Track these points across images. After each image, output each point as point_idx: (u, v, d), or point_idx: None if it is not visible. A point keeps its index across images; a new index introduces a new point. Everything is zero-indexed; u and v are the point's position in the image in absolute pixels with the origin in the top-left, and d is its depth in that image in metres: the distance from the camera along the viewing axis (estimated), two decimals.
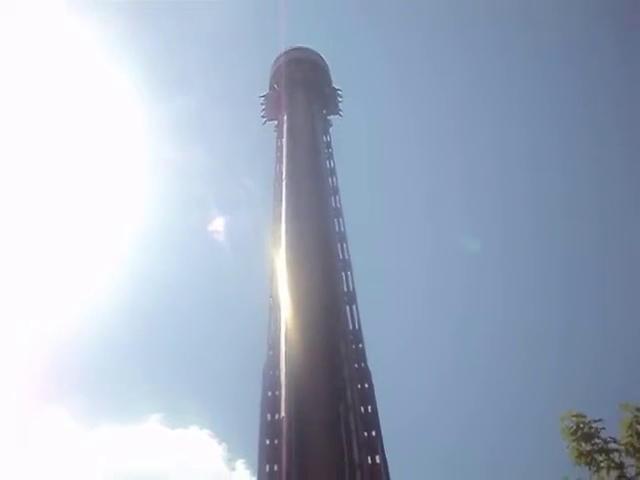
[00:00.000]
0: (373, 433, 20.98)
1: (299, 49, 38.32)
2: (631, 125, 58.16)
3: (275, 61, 38.23)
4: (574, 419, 15.93)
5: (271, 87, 38.17)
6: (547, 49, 62.07)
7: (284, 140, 32.93)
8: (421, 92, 66.57)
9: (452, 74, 64.28)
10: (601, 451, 15.54)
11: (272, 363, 23.12)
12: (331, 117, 37.34)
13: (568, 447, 15.75)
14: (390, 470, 20.04)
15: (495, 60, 64.53)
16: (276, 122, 36.59)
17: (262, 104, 38.32)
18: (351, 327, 24.32)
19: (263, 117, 38.01)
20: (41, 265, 52.81)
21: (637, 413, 16.51)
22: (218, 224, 62.73)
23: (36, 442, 39.82)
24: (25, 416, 43.84)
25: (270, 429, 21.02)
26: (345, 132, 38.33)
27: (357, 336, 24.10)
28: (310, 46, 39.19)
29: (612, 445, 15.75)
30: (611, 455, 15.55)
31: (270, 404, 21.80)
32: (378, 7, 66.06)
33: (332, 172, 31.26)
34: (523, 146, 62.61)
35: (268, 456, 20.17)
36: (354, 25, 71.63)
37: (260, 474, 19.80)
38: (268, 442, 20.69)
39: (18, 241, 52.41)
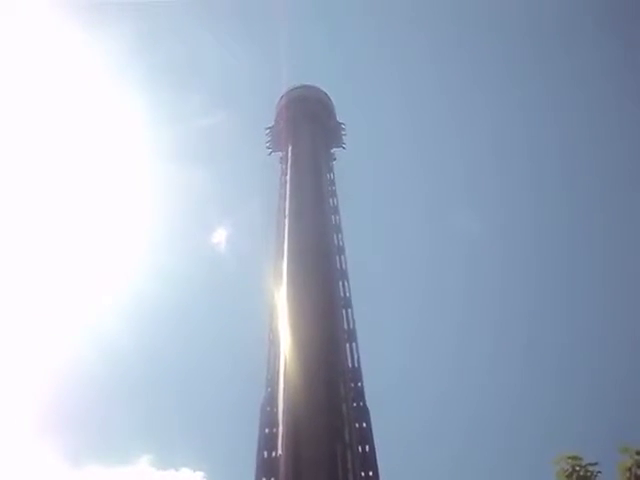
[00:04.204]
0: (370, 473, 20.93)
1: (304, 87, 38.77)
2: (629, 111, 58.45)
3: (281, 98, 38.65)
4: (569, 461, 15.72)
5: (277, 122, 38.53)
6: (548, 51, 62.79)
7: (288, 177, 33.17)
8: (419, 84, 66.70)
9: (454, 77, 64.65)
10: None
11: (270, 400, 23.11)
12: (335, 150, 37.61)
13: None
14: None
15: (497, 66, 64.92)
16: (281, 154, 36.86)
17: (267, 135, 38.66)
18: (350, 365, 24.31)
19: (268, 148, 38.30)
20: (40, 288, 51.87)
21: (637, 457, 16.29)
22: (220, 236, 61.69)
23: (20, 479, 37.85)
24: (9, 451, 42.26)
25: (266, 467, 21.00)
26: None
27: (356, 374, 24.12)
28: (315, 79, 39.90)
29: None
30: None
31: (267, 441, 21.79)
32: (383, 37, 66.84)
33: (335, 210, 31.41)
34: (523, 137, 62.73)
35: None
36: (358, 49, 72.31)
37: None
38: None
39: (19, 260, 51.74)
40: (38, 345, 48.34)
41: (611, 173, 58.52)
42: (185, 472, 47.37)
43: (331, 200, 32.15)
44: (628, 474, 15.71)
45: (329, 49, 69.60)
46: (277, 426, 21.93)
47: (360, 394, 23.40)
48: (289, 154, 35.10)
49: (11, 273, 49.63)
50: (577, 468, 15.73)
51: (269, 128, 38.82)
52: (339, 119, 39.13)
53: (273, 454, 21.23)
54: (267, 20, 58.21)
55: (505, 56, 66.58)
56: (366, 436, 21.96)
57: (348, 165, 38.39)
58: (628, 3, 55.88)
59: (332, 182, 33.85)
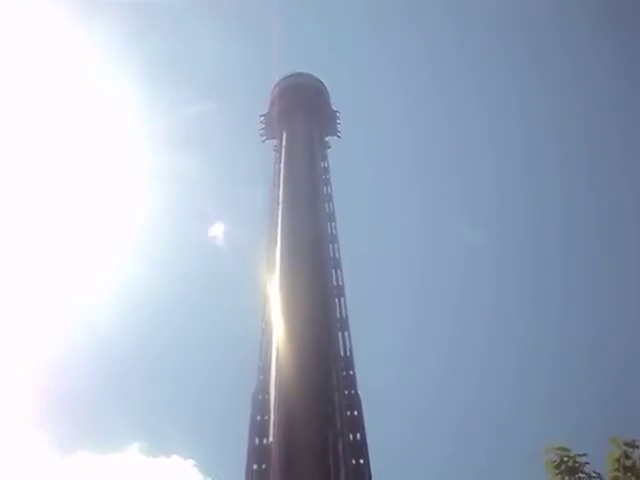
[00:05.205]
0: (361, 461, 21.05)
1: (299, 74, 38.57)
2: (626, 117, 58.73)
3: (275, 86, 38.49)
4: (558, 452, 15.85)
5: (271, 109, 38.38)
6: (545, 50, 62.85)
7: (282, 165, 33.09)
8: (420, 93, 66.71)
9: (450, 76, 64.55)
10: None
11: (262, 388, 23.21)
12: (329, 138, 37.50)
13: None
14: None
15: (494, 66, 65.16)
16: (275, 141, 36.76)
17: (262, 122, 38.54)
18: (342, 353, 24.41)
19: (262, 135, 38.18)
20: (34, 279, 51.39)
21: (625, 447, 16.38)
22: (217, 229, 61.33)
23: (10, 467, 37.37)
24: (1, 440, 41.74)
25: (258, 454, 21.12)
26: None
27: (348, 363, 24.22)
28: (311, 68, 39.66)
29: None
30: None
31: (259, 428, 21.90)
32: (379, 28, 66.52)
33: (329, 198, 31.40)
34: (520, 141, 62.94)
35: None
36: (354, 40, 72.02)
37: None
38: (255, 467, 20.77)
39: (13, 251, 51.28)
40: (30, 333, 48.06)
41: (610, 175, 58.72)
42: (175, 459, 47.13)
43: (325, 188, 32.12)
44: (616, 464, 15.84)
45: (325, 38, 69.43)
46: (269, 413, 22.04)
47: (352, 382, 23.51)
48: (283, 142, 34.99)
49: (5, 262, 49.43)
50: (565, 459, 15.86)
51: (263, 115, 38.72)
52: (334, 108, 39.10)
53: (264, 441, 21.34)
54: (262, 10, 57.88)
55: (503, 55, 66.70)
56: (357, 424, 22.09)
57: (343, 154, 38.39)
58: (627, 3, 55.88)
59: (326, 170, 33.80)
